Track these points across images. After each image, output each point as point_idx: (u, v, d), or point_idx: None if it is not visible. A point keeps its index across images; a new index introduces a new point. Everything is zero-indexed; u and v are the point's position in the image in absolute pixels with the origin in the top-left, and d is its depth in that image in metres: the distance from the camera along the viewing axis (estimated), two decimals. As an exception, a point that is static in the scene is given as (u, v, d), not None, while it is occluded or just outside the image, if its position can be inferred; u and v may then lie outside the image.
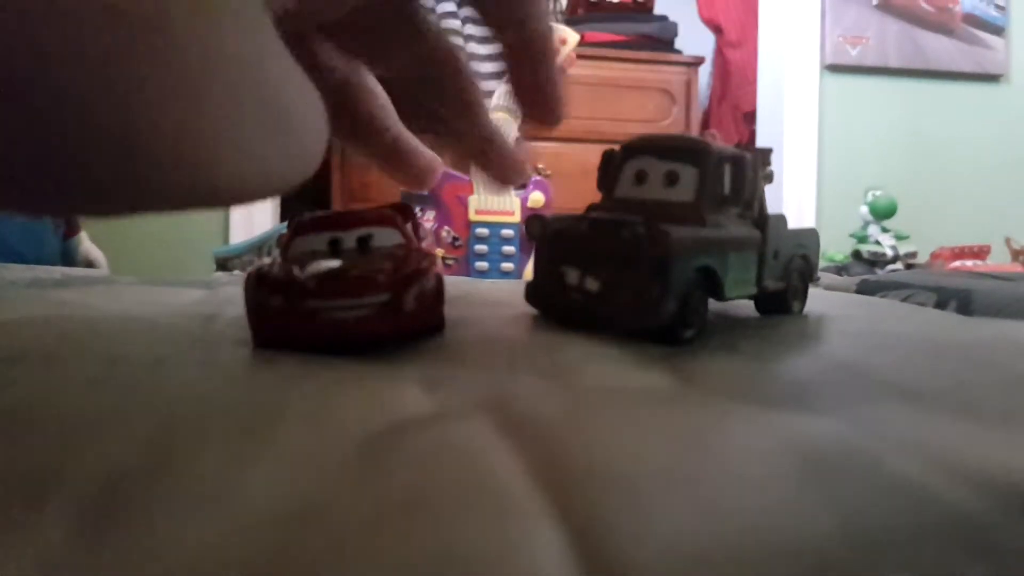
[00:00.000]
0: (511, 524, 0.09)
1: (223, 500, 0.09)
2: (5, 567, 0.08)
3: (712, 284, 0.20)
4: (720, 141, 0.22)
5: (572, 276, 0.21)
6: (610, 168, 0.23)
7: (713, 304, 0.21)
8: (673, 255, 0.19)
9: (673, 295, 0.19)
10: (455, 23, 1.48)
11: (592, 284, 0.20)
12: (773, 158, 0.24)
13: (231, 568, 0.08)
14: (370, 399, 0.14)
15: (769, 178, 0.23)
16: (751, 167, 0.22)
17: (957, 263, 1.30)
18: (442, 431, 0.12)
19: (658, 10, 2.42)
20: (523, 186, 1.28)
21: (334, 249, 0.20)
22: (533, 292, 0.23)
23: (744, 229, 0.22)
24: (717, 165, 0.21)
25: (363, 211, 0.21)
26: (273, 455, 0.11)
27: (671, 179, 0.21)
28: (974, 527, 0.09)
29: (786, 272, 0.24)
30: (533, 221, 0.22)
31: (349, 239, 0.20)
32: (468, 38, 1.33)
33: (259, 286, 0.18)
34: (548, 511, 0.09)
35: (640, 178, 0.22)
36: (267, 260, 0.21)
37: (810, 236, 0.26)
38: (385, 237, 0.21)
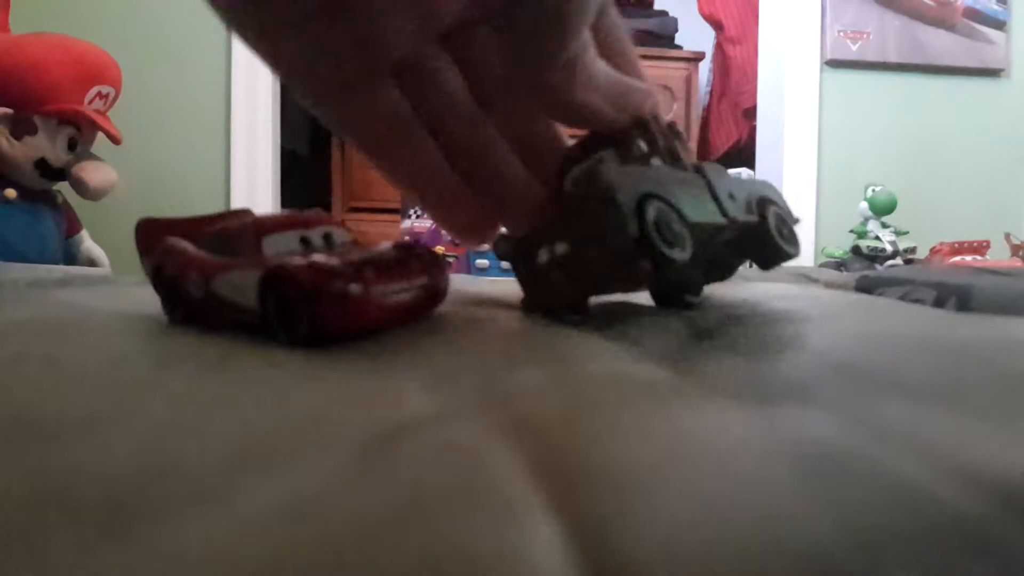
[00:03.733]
0: (511, 524, 0.09)
1: (224, 501, 0.09)
2: (7, 573, 0.08)
3: (670, 209, 0.21)
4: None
5: (543, 255, 0.21)
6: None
7: (711, 303, 0.21)
8: (613, 185, 0.20)
9: (628, 216, 0.19)
10: None
11: (561, 247, 0.21)
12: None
13: (232, 570, 0.08)
14: (370, 399, 0.14)
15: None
16: (655, 128, 0.24)
17: (956, 258, 1.31)
18: (442, 430, 0.12)
19: (658, 6, 2.42)
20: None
21: (306, 245, 0.21)
22: (528, 300, 0.24)
23: (679, 172, 0.23)
24: (627, 136, 0.23)
25: (310, 213, 0.23)
26: (274, 455, 0.11)
27: (600, 160, 0.23)
28: (974, 526, 0.09)
29: (758, 209, 0.25)
30: (499, 242, 0.24)
31: (316, 237, 0.22)
32: None
33: (318, 277, 0.18)
34: (548, 510, 0.09)
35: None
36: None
37: (766, 186, 0.27)
38: (340, 234, 0.23)
